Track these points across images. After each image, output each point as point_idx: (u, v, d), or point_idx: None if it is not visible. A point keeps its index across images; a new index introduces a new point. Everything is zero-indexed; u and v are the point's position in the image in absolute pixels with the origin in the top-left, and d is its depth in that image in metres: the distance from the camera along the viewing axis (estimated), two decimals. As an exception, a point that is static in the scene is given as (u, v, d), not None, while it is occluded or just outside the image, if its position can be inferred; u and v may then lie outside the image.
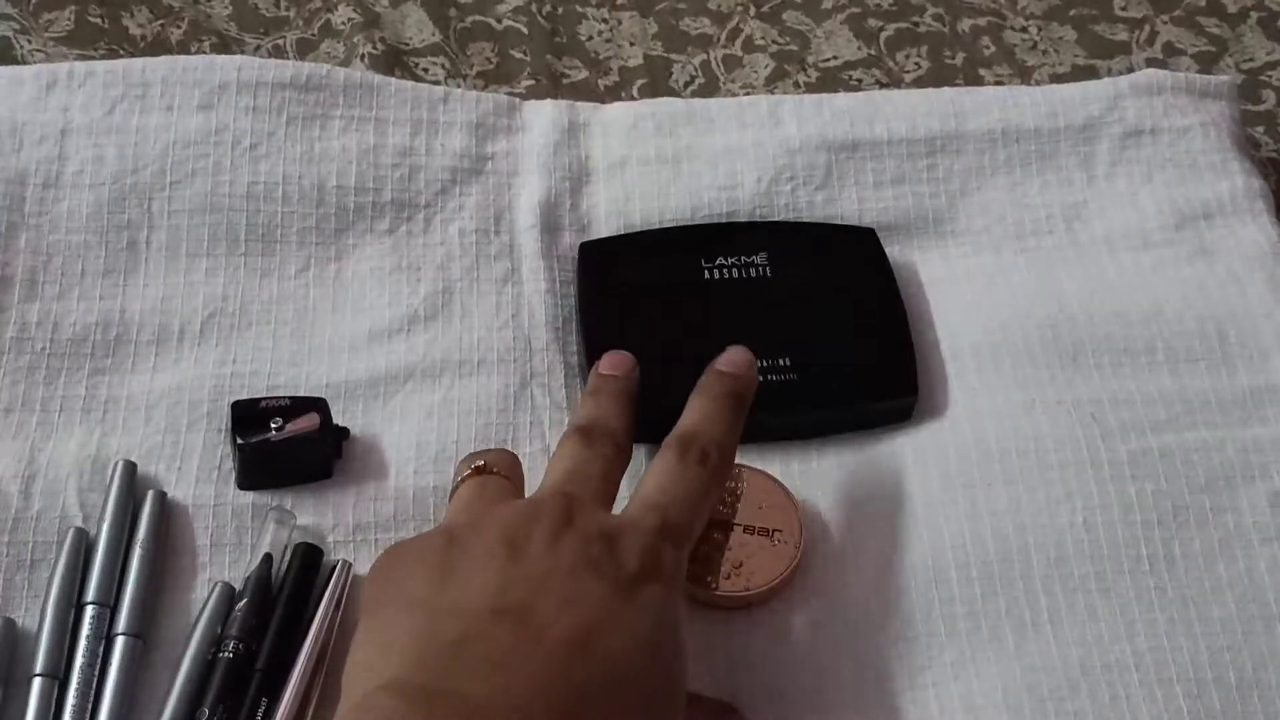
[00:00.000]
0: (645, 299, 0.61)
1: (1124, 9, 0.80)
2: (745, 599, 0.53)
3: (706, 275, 0.62)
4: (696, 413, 0.52)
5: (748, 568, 0.52)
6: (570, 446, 0.51)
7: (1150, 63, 0.77)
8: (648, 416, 0.54)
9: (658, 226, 0.65)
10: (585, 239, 0.64)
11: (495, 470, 0.51)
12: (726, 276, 0.62)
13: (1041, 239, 0.66)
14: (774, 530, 0.53)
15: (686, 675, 0.45)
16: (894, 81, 0.76)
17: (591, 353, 0.58)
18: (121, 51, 0.71)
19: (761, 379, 0.58)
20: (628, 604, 0.43)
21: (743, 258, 0.62)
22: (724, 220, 0.65)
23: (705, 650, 0.53)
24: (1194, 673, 0.52)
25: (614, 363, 0.55)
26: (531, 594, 0.42)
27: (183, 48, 0.73)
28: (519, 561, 0.44)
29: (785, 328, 0.60)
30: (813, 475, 0.58)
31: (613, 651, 0.41)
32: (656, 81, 0.75)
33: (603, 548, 0.44)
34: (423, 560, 0.45)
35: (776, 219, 0.65)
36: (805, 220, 0.65)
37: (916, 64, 0.77)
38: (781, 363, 0.59)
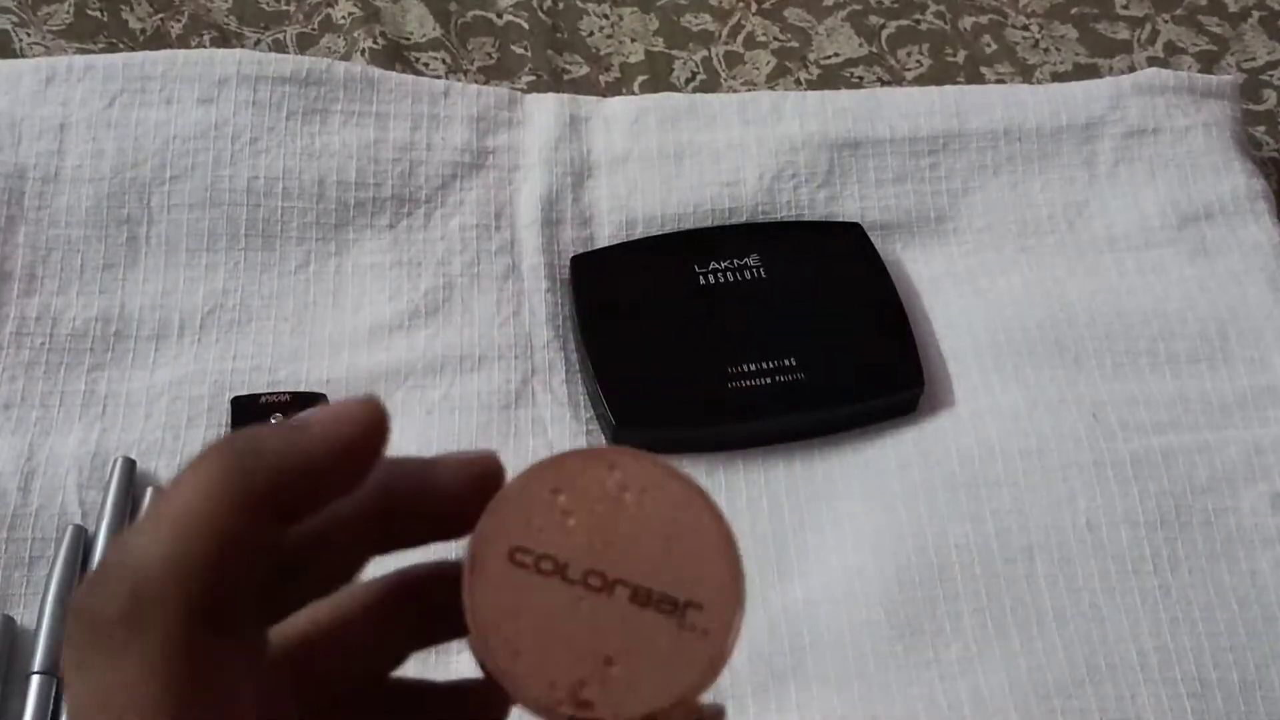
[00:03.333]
0: (645, 309, 0.61)
1: (1125, 8, 0.80)
2: None
3: (702, 281, 0.62)
4: None
5: (629, 670, 0.27)
6: None
7: (1151, 61, 0.77)
8: (657, 429, 0.54)
9: (657, 225, 0.64)
10: (586, 233, 0.64)
11: None
12: (722, 281, 0.62)
13: (1043, 238, 0.66)
14: (686, 604, 0.27)
15: None
16: (895, 79, 0.76)
17: (599, 368, 0.58)
18: (121, 45, 0.71)
19: (769, 380, 0.58)
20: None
21: (735, 260, 0.62)
22: (725, 217, 0.65)
23: None
24: (1198, 672, 0.52)
25: None
26: None
27: (182, 42, 0.72)
28: None
29: (788, 328, 0.60)
30: (816, 475, 0.58)
31: None
32: (658, 78, 0.74)
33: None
34: None
35: (778, 217, 0.65)
36: (804, 218, 0.65)
37: (918, 62, 0.77)
38: (788, 363, 0.59)
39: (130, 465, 0.54)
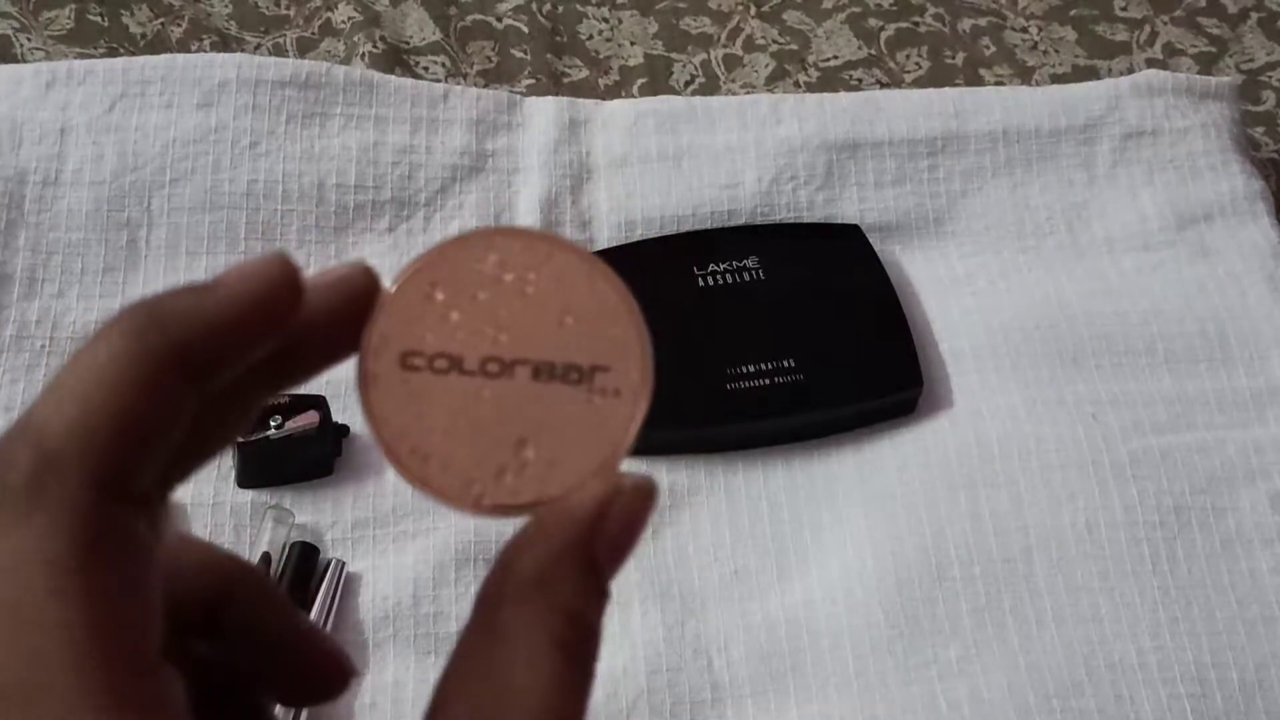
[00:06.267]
0: (645, 311, 0.61)
1: (1124, 9, 0.80)
2: (539, 507, 0.26)
3: (701, 283, 0.62)
4: None
5: (544, 447, 0.26)
6: None
7: (1150, 63, 0.77)
8: (656, 429, 0.54)
9: (656, 228, 0.65)
10: (586, 236, 0.64)
11: None
12: (721, 283, 0.62)
13: (1042, 240, 0.66)
14: (593, 368, 0.26)
15: None
16: (894, 81, 0.76)
17: None
18: (121, 50, 0.71)
19: (768, 382, 0.58)
20: None
21: (734, 262, 0.62)
22: (725, 219, 0.65)
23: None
24: (1197, 672, 0.52)
25: None
26: None
27: (183, 46, 0.73)
28: None
29: (787, 329, 0.60)
30: (815, 476, 0.58)
31: None
32: (657, 81, 0.75)
33: None
34: None
35: (777, 219, 0.65)
36: (803, 220, 0.65)
37: (917, 64, 0.77)
38: (787, 364, 0.59)
39: (130, 467, 0.54)
